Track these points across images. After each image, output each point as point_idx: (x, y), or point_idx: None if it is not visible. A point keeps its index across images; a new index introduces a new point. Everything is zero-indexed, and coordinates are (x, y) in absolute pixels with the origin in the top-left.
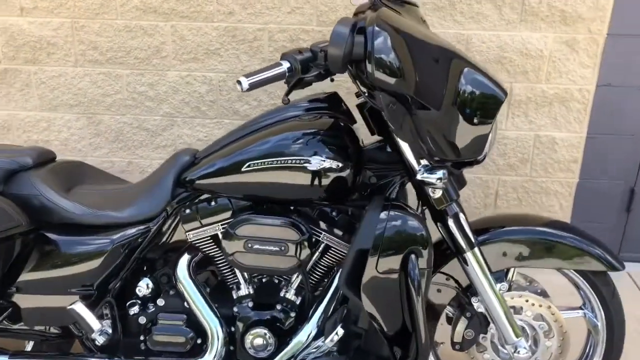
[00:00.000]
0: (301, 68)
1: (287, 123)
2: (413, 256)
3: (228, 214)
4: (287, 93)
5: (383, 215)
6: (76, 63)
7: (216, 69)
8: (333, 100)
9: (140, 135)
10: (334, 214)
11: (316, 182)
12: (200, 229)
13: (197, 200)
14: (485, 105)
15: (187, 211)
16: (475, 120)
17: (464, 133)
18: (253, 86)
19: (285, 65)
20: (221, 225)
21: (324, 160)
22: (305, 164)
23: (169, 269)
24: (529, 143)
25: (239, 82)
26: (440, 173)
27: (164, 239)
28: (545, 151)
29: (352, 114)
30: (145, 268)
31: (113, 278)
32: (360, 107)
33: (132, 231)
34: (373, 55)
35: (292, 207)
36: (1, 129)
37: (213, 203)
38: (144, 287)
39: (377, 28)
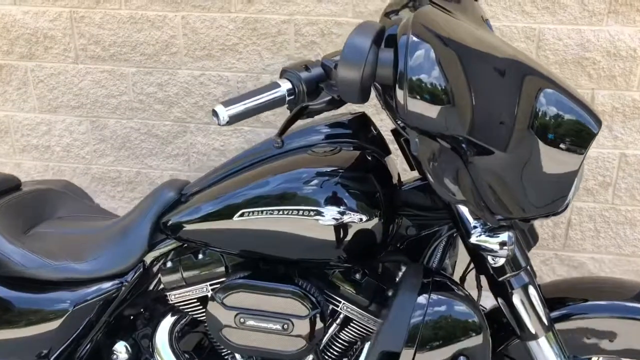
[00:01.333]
0: (307, 90)
1: (295, 157)
2: (463, 359)
3: (219, 272)
4: (283, 130)
5: (422, 299)
6: (76, 59)
7: (234, 67)
8: (360, 124)
9: (149, 143)
10: (357, 275)
11: (331, 239)
12: (185, 290)
13: (180, 251)
14: (574, 133)
15: (169, 265)
16: (562, 146)
17: (543, 173)
18: (236, 118)
19: (285, 86)
20: (210, 285)
21: (343, 212)
22: (316, 217)
23: (151, 329)
24: (612, 164)
25: (215, 113)
26: (504, 236)
27: (144, 290)
28: (633, 174)
29: (385, 141)
30: (122, 327)
31: (76, 345)
32: (396, 133)
33: (98, 288)
34: (406, 78)
35: (300, 267)
36: None
37: (201, 256)
38: (121, 351)
39: (414, 37)
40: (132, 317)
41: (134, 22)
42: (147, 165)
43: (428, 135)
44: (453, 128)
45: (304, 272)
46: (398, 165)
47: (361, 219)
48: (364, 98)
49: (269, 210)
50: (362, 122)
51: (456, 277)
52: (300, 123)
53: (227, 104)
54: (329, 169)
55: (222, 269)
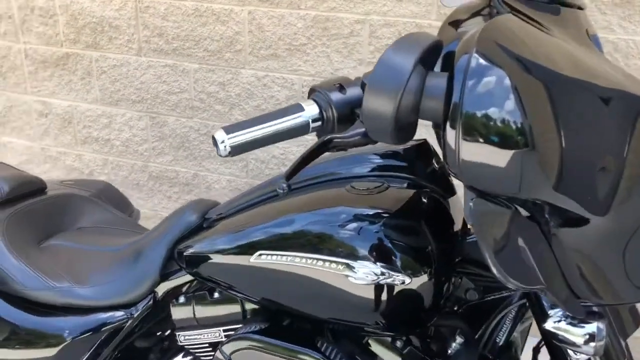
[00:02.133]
0: (337, 117)
1: (330, 191)
2: None
3: (235, 318)
4: (293, 171)
5: None
6: (139, 51)
7: (300, 70)
8: (418, 155)
9: (208, 145)
10: (398, 343)
11: (365, 301)
12: (196, 332)
13: (197, 285)
14: None
15: (181, 300)
16: None
17: None
18: (242, 148)
19: (310, 111)
20: (224, 331)
21: (380, 271)
22: (346, 272)
23: None
24: None
25: (215, 142)
26: (592, 327)
27: (154, 326)
28: None
29: (449, 178)
30: None
31: None
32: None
33: (101, 318)
34: (461, 113)
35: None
36: (62, 121)
37: (217, 295)
38: None
39: (479, 57)
40: (139, 355)
41: (199, 14)
42: (205, 168)
43: (490, 199)
44: (530, 185)
45: (334, 333)
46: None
47: (403, 281)
48: (400, 138)
49: (288, 256)
50: (422, 152)
51: (527, 353)
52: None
53: (230, 130)
54: (369, 212)
55: (239, 314)
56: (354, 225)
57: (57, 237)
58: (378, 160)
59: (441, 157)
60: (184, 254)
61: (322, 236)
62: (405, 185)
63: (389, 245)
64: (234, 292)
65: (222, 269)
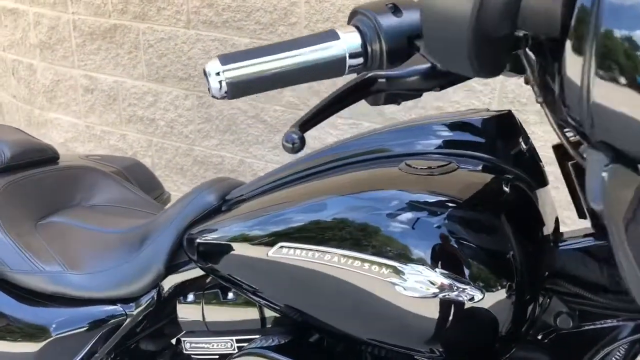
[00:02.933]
0: (388, 50)
1: (378, 170)
2: None
3: (252, 325)
4: (309, 120)
5: None
6: (188, 24)
7: None
8: (500, 130)
9: (256, 129)
10: None
11: (416, 321)
12: (204, 339)
13: (207, 282)
14: None
15: (189, 298)
16: None
17: None
18: (244, 87)
19: (350, 40)
20: (237, 342)
21: (443, 281)
22: (392, 279)
23: None
24: None
25: (206, 74)
26: None
27: (157, 327)
28: None
29: (540, 163)
30: None
31: None
32: (561, 151)
33: (94, 313)
34: (596, 27)
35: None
36: (107, 98)
37: (232, 295)
38: None
39: None
40: (148, 354)
41: None
42: (252, 155)
43: (632, 164)
44: None
45: (373, 355)
46: (560, 202)
47: (473, 297)
48: (483, 66)
49: (316, 251)
50: (505, 126)
51: None
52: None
53: (228, 59)
54: (429, 198)
55: (257, 322)
56: (407, 215)
57: (61, 213)
58: (444, 133)
59: (528, 134)
60: (195, 241)
61: (362, 228)
62: (479, 167)
63: (455, 245)
64: (251, 294)
65: (236, 263)
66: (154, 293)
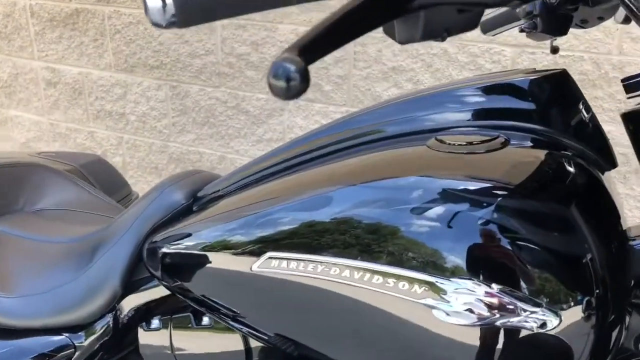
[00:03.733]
0: None
1: (401, 150)
2: None
3: (236, 358)
4: (316, 42)
5: None
6: None
7: None
8: (555, 95)
9: (237, 120)
10: None
11: (466, 357)
12: None
13: (175, 304)
14: None
15: (154, 324)
16: None
17: None
18: (195, 10)
19: None
20: None
21: (500, 303)
22: (427, 299)
23: None
24: None
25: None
26: None
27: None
28: None
29: (606, 139)
30: None
31: None
32: (630, 118)
33: (33, 345)
34: None
35: None
36: (72, 92)
37: (206, 321)
38: None
39: None
40: None
41: None
42: (233, 150)
43: None
44: None
45: None
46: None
47: (544, 323)
48: None
49: (318, 263)
50: (560, 90)
51: None
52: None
53: None
54: (475, 186)
55: (241, 352)
56: (443, 209)
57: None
58: (482, 99)
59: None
60: (159, 251)
61: (380, 229)
62: (533, 142)
63: (514, 249)
64: (231, 320)
65: (212, 280)
66: (109, 319)
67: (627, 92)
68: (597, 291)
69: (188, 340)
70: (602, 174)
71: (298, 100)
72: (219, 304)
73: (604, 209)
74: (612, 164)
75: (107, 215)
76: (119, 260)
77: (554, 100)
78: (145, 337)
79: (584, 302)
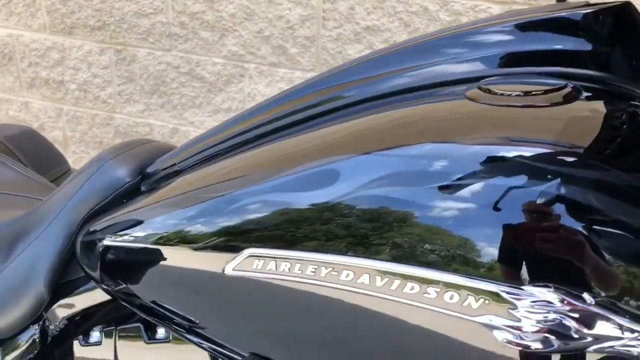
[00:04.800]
0: None
1: (435, 105)
2: None
3: None
4: None
5: None
6: None
7: None
8: (617, 33)
9: (191, 88)
10: None
11: None
12: None
13: (120, 311)
14: None
15: (93, 338)
16: None
17: None
18: None
19: None
20: None
21: (599, 316)
22: (485, 316)
23: None
24: None
25: None
26: None
27: None
28: None
29: None
30: None
31: None
32: None
33: None
34: None
35: None
36: (1, 57)
37: (161, 334)
38: None
39: None
40: None
41: None
42: (188, 121)
43: None
44: None
45: None
46: None
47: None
48: None
49: (319, 264)
50: (625, 27)
51: None
52: None
53: None
54: (540, 151)
55: None
56: (495, 184)
57: None
58: (523, 38)
59: None
60: (97, 245)
61: (410, 218)
62: (601, 93)
63: (610, 245)
64: (193, 336)
65: (168, 284)
66: (34, 331)
67: None
68: None
69: (138, 357)
70: None
71: (259, 65)
72: (178, 316)
73: None
74: None
75: (36, 198)
76: (45, 257)
77: (616, 39)
78: (82, 354)
79: None
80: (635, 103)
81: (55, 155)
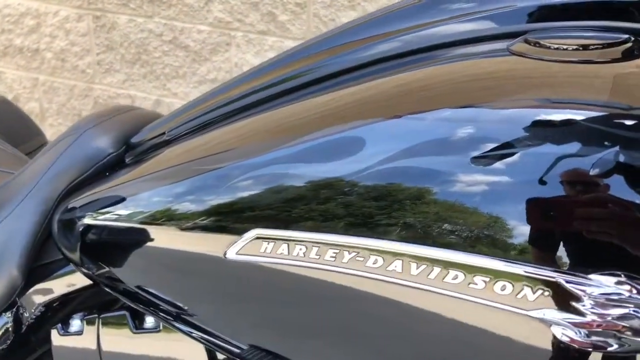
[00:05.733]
0: None
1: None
2: None
3: None
4: None
5: None
6: None
7: None
8: None
9: (174, 58)
10: None
11: None
12: None
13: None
14: None
15: (73, 327)
16: None
17: None
18: None
19: None
20: None
21: None
22: (540, 311)
23: None
24: None
25: None
26: None
27: None
28: None
29: None
30: None
31: None
32: None
33: None
34: None
35: None
36: None
37: (150, 324)
38: None
39: None
40: None
41: None
42: (171, 92)
43: None
44: None
45: None
46: None
47: None
48: None
49: (337, 246)
50: None
51: None
52: None
53: None
54: (603, 114)
55: None
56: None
57: None
58: None
59: None
60: (76, 224)
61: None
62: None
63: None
64: (187, 327)
65: (159, 268)
66: (7, 319)
67: None
68: None
69: (125, 348)
70: None
71: (247, 33)
72: (162, 299)
73: None
74: None
75: (7, 171)
76: (17, 237)
77: None
78: (62, 343)
79: None
80: None
81: (30, 127)
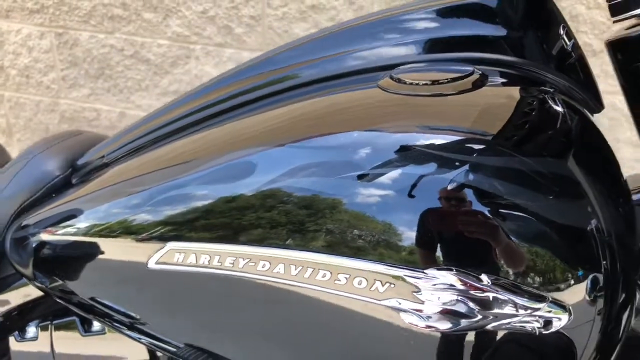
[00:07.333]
0: None
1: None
2: None
3: None
4: None
5: None
6: None
7: None
8: (529, 17)
9: (136, 71)
10: None
11: None
12: None
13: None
14: None
15: (29, 333)
16: None
17: None
18: None
19: None
20: None
21: (492, 297)
22: (392, 299)
23: None
24: None
25: None
26: None
27: None
28: None
29: (592, 74)
30: None
31: None
32: (616, 46)
33: None
34: None
35: None
36: None
37: (97, 327)
38: None
39: None
40: None
41: None
42: (135, 105)
43: None
44: None
45: None
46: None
47: (548, 322)
48: None
49: (237, 256)
50: (537, 11)
51: None
52: None
53: None
54: (450, 139)
55: None
56: (406, 172)
57: None
58: (438, 24)
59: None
60: (30, 241)
61: (320, 206)
62: (511, 78)
63: (508, 227)
64: (128, 330)
65: (103, 279)
66: None
67: (612, 14)
68: (605, 265)
69: (75, 349)
70: (592, 115)
71: (206, 45)
72: (114, 309)
73: (603, 158)
74: (599, 104)
75: None
76: None
77: (529, 24)
78: (19, 348)
79: (590, 281)
80: (546, 88)
81: None
